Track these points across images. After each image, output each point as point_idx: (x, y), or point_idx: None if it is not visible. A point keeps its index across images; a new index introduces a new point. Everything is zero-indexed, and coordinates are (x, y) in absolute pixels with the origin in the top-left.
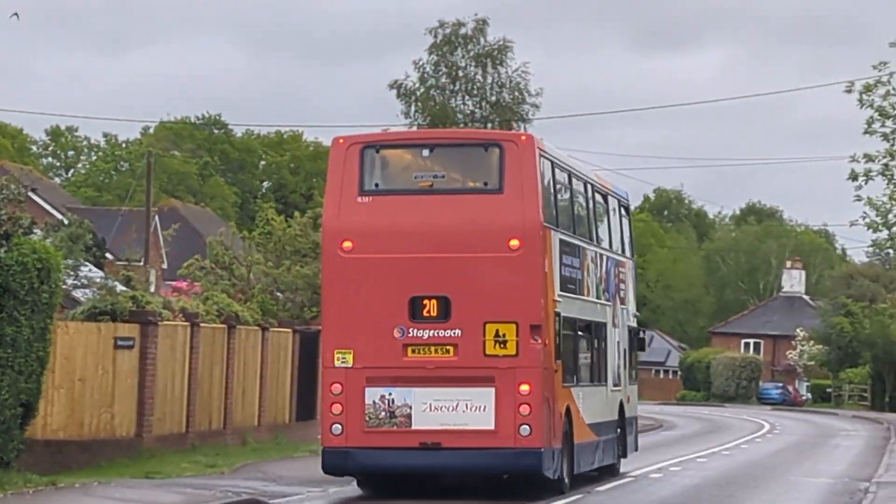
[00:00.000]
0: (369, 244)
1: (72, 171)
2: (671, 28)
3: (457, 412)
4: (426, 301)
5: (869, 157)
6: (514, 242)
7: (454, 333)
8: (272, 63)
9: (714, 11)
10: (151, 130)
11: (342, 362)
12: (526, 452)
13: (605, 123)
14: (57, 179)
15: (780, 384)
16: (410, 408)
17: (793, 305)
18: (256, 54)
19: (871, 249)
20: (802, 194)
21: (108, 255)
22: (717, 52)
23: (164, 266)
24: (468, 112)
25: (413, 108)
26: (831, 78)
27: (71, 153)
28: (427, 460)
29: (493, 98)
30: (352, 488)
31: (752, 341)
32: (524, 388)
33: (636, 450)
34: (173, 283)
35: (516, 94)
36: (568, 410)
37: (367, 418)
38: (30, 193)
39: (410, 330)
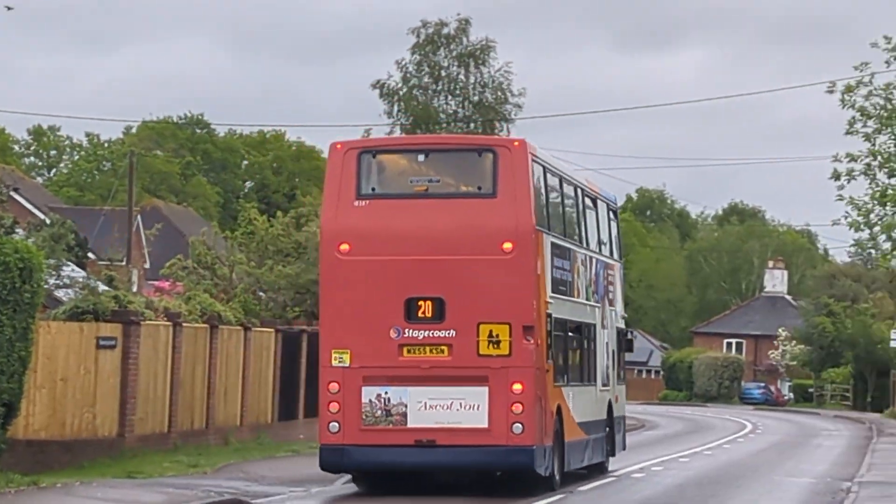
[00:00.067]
0: (366, 247)
1: (54, 170)
2: (654, 28)
3: (451, 411)
4: (421, 302)
5: (851, 157)
6: (508, 245)
7: (449, 334)
8: (255, 63)
9: (697, 12)
10: (134, 130)
11: (339, 362)
12: (518, 450)
13: (587, 123)
14: (39, 179)
15: (763, 384)
16: (406, 406)
17: (775, 305)
18: (239, 54)
19: (853, 249)
20: (785, 194)
21: (90, 254)
22: (699, 53)
23: (147, 266)
24: (451, 112)
25: (396, 108)
26: (813, 78)
27: (53, 153)
28: (422, 457)
29: (476, 98)
30: (335, 487)
31: (734, 341)
32: (517, 387)
33: (624, 448)
34: (156, 282)
35: (499, 93)
36: (559, 409)
37: (364, 416)
38: (12, 193)
39: (406, 330)
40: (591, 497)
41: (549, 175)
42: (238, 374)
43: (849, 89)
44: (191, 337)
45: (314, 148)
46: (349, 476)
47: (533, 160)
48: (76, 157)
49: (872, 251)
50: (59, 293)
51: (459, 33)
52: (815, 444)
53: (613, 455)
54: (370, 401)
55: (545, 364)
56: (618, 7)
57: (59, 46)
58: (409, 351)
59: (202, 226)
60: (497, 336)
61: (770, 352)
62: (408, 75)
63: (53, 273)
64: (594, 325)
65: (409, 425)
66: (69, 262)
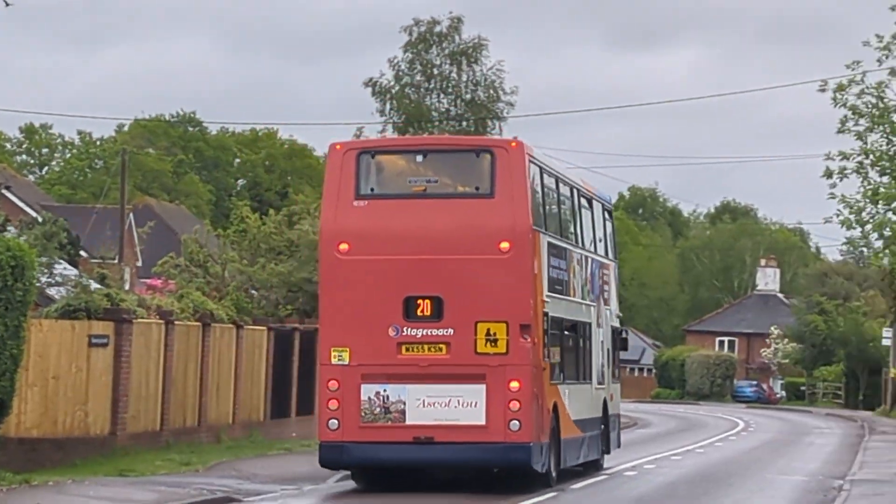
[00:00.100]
0: (365, 246)
1: (46, 168)
2: (646, 27)
3: (449, 408)
4: (420, 301)
5: (844, 155)
6: (505, 245)
7: (447, 332)
8: (247, 61)
9: (690, 10)
10: (126, 128)
11: (339, 360)
12: (515, 447)
13: (580, 122)
14: (31, 177)
15: (755, 382)
16: (404, 404)
17: (767, 303)
18: (231, 52)
19: (845, 247)
20: (777, 192)
21: (82, 252)
22: (691, 51)
23: (139, 264)
24: (443, 110)
25: (388, 106)
26: (805, 77)
27: (45, 151)
28: (420, 454)
29: (468, 96)
30: (327, 486)
31: (726, 339)
32: (514, 384)
33: (619, 446)
34: (148, 280)
35: (491, 92)
36: (555, 407)
37: (363, 414)
38: (3, 191)
39: (405, 329)
40: (583, 495)
41: (545, 175)
42: (230, 372)
43: (841, 88)
44: (183, 335)
45: (306, 146)
46: (342, 474)
47: (530, 161)
48: (68, 155)
49: (864, 249)
50: (52, 291)
51: (452, 31)
52: (807, 442)
53: (608, 452)
54: (369, 398)
55: (542, 362)
56: (610, 5)
57: (52, 44)
58: (407, 349)
59: (194, 224)
60: (494, 334)
61: (762, 350)
62: (400, 73)
63: (45, 271)
64: (590, 324)
65: (408, 422)
66: (61, 260)
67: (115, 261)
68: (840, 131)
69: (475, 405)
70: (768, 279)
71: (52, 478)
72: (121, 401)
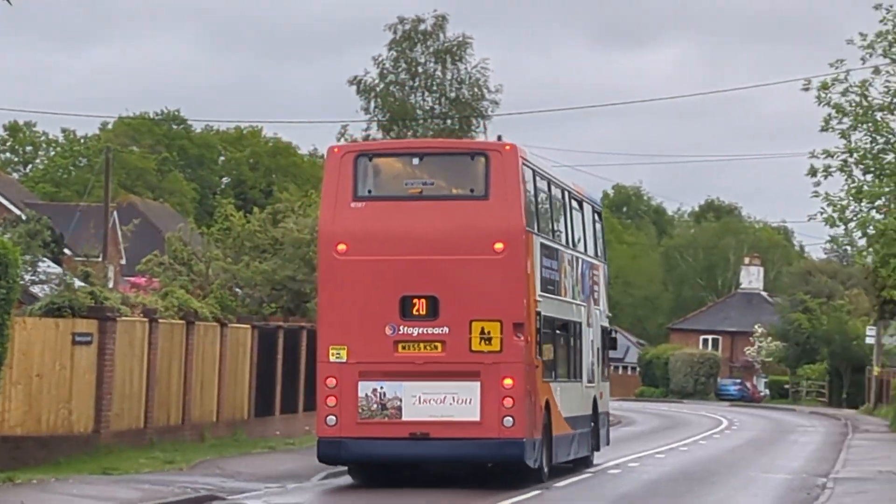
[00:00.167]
0: (363, 247)
1: (30, 166)
2: (630, 25)
3: (444, 404)
4: (416, 300)
5: (828, 154)
6: (499, 245)
7: (442, 331)
8: (231, 58)
9: (674, 9)
10: (110, 126)
11: (337, 357)
12: (509, 442)
13: (564, 120)
14: (15, 175)
15: (739, 380)
16: (401, 400)
17: (751, 302)
18: (215, 50)
19: (828, 246)
20: (761, 191)
21: (66, 250)
22: (676, 50)
23: (123, 262)
24: (428, 108)
25: (373, 104)
26: (789, 75)
27: (29, 148)
28: (416, 450)
29: (453, 94)
30: (311, 483)
31: (710, 337)
32: (508, 382)
33: (608, 443)
34: (132, 278)
35: (476, 90)
36: (547, 404)
37: (360, 410)
38: None
39: (401, 327)
40: (567, 493)
41: (538, 178)
42: (214, 371)
43: (825, 86)
44: (167, 333)
45: (291, 144)
46: (326, 472)
47: (523, 164)
48: (52, 153)
49: (848, 248)
50: (35, 289)
51: (436, 30)
52: (791, 441)
53: (598, 450)
54: (366, 395)
55: (535, 360)
56: (595, 4)
57: (35, 42)
58: (403, 347)
59: (178, 222)
60: (489, 333)
61: (746, 348)
62: (384, 71)
63: (29, 269)
64: (580, 324)
65: (404, 419)
66: (45, 258)
67: (99, 259)
68: (824, 130)
69: (470, 402)
70: (752, 277)
71: (36, 476)
72: (105, 399)
